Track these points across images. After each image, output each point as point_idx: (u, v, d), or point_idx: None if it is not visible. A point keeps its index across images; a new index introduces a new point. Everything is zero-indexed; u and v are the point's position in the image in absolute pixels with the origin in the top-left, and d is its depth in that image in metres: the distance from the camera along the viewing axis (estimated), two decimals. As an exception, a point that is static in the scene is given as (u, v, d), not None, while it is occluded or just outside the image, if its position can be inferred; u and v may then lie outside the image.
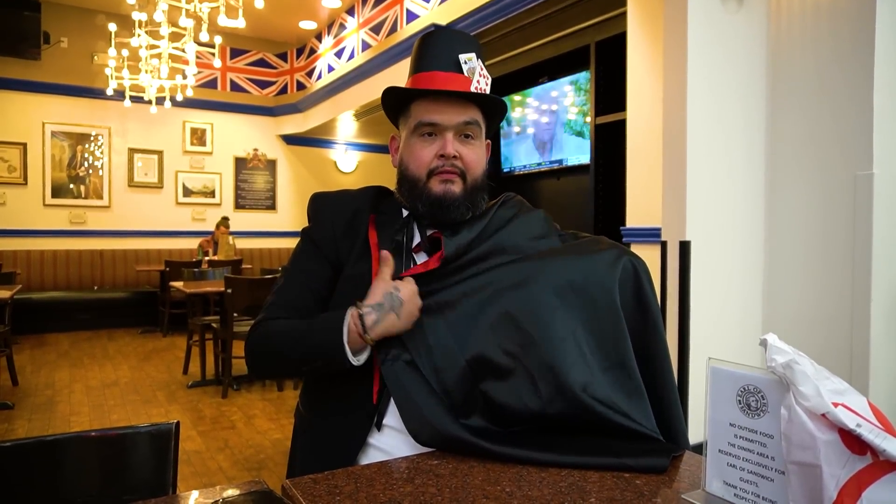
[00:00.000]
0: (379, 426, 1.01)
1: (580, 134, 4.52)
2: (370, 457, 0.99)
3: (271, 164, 8.88)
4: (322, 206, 1.17)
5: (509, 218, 1.14)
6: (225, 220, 7.34)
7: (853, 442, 0.58)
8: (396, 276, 1.04)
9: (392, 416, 1.01)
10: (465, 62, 1.09)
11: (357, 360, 0.99)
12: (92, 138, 7.69)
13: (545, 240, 1.13)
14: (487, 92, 1.10)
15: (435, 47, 1.11)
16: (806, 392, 0.60)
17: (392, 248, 1.09)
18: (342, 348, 0.97)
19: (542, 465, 0.86)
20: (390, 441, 1.00)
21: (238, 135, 8.61)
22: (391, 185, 1.21)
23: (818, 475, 0.59)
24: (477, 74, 1.09)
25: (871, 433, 0.57)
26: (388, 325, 0.98)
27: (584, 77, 4.35)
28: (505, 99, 5.20)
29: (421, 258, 1.11)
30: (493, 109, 1.14)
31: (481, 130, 1.12)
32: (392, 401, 1.01)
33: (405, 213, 1.14)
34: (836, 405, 0.59)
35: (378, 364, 1.01)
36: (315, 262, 1.13)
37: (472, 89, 1.08)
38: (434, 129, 1.08)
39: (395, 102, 1.15)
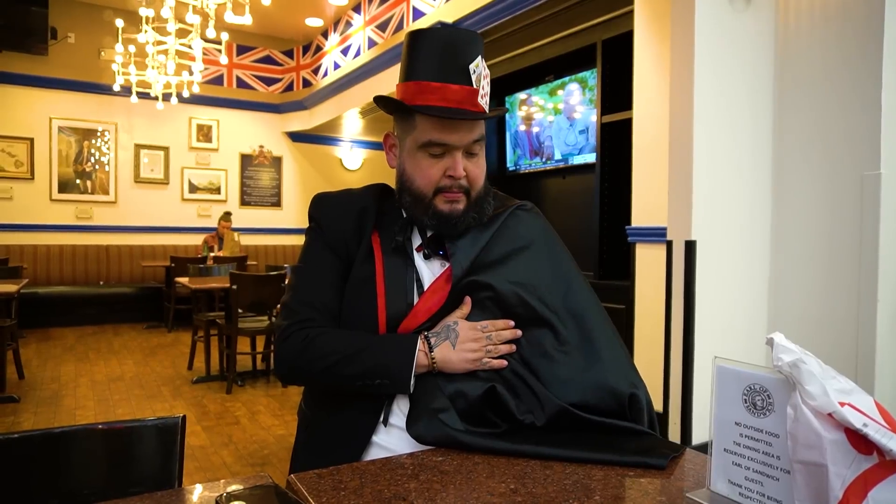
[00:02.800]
0: (385, 423, 1.01)
1: (586, 132, 4.51)
2: (374, 455, 1.00)
3: (277, 161, 8.89)
4: (328, 206, 1.16)
5: (517, 230, 1.13)
6: (227, 214, 7.35)
7: (859, 441, 0.58)
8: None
9: (398, 416, 1.01)
10: (474, 71, 1.05)
11: (412, 388, 1.00)
12: (98, 134, 7.71)
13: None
14: (488, 91, 1.09)
15: (442, 52, 1.05)
16: (812, 391, 0.60)
17: (393, 249, 1.09)
18: (409, 371, 0.98)
19: (543, 459, 0.87)
20: (395, 440, 1.00)
21: (244, 131, 8.62)
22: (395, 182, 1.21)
23: (824, 474, 0.59)
24: (483, 80, 1.06)
25: (878, 433, 0.56)
26: (445, 352, 0.99)
27: (591, 75, 4.34)
28: (511, 97, 5.20)
29: (421, 258, 1.11)
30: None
31: (484, 142, 1.11)
32: (396, 401, 1.02)
33: (405, 213, 1.14)
34: (842, 405, 0.58)
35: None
36: (330, 258, 1.12)
37: (479, 98, 1.05)
38: (444, 150, 1.06)
39: (394, 106, 1.11)
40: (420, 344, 1.00)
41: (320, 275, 1.11)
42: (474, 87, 1.05)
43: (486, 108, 1.07)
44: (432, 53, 1.06)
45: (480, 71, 1.06)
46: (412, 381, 0.99)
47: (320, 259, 1.12)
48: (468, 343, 1.00)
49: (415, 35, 1.10)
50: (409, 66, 1.09)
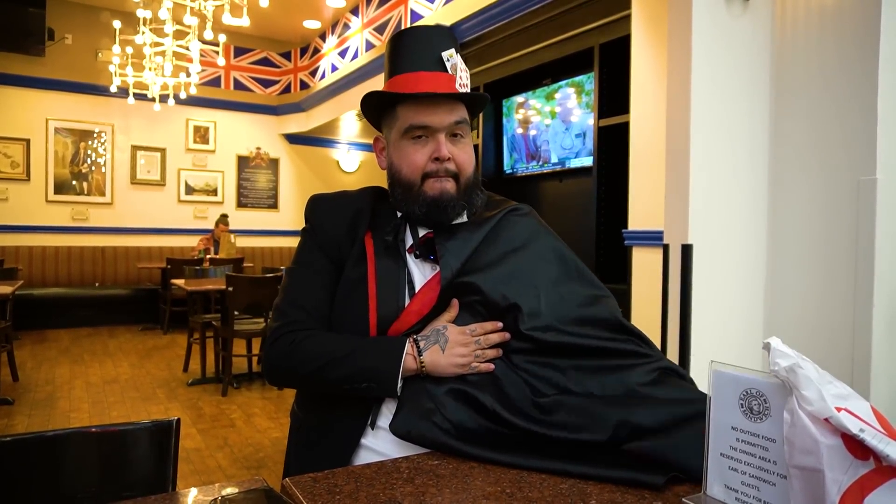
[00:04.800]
0: (373, 425, 1.01)
1: (583, 136, 4.51)
2: (363, 458, 1.00)
3: (274, 163, 8.88)
4: (323, 208, 1.17)
5: (510, 233, 1.12)
6: (224, 217, 7.33)
7: (856, 447, 0.58)
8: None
9: (386, 418, 1.01)
10: (448, 59, 1.08)
11: (399, 391, 1.00)
12: (95, 135, 7.70)
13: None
14: (468, 83, 1.11)
15: (415, 46, 1.10)
16: (809, 396, 0.60)
17: (385, 250, 1.09)
18: (396, 374, 0.98)
19: (534, 471, 0.85)
20: (383, 443, 1.00)
21: (241, 133, 8.61)
22: None
23: (820, 480, 0.59)
24: (459, 70, 1.09)
25: (875, 438, 0.56)
26: (434, 356, 0.99)
27: (588, 79, 4.35)
28: (508, 100, 5.21)
29: (412, 259, 1.11)
30: (475, 104, 1.15)
31: (469, 128, 1.13)
32: (385, 403, 1.02)
33: (399, 214, 1.14)
34: (839, 410, 0.58)
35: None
36: (322, 260, 1.12)
37: (457, 86, 1.08)
38: (425, 132, 1.08)
39: (378, 106, 1.14)
40: (409, 347, 0.99)
41: (312, 277, 1.11)
42: (450, 73, 1.08)
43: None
44: (406, 50, 1.11)
45: (456, 62, 1.09)
46: (399, 385, 0.98)
47: (313, 261, 1.13)
48: (458, 348, 0.99)
49: (391, 39, 1.14)
50: (388, 68, 1.14)
